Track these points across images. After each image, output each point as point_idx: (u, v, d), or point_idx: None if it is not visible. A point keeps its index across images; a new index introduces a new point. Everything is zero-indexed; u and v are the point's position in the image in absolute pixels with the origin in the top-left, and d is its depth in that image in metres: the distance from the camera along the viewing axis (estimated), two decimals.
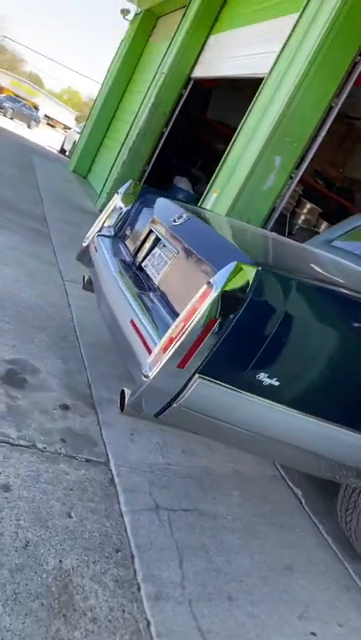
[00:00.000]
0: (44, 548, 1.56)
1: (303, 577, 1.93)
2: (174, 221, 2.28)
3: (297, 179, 4.07)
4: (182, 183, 8.53)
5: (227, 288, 1.54)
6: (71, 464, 1.97)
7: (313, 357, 1.70)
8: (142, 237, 2.56)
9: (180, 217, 2.30)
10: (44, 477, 1.83)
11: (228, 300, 1.54)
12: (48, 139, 22.14)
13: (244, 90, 6.85)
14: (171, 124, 7.33)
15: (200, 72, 6.99)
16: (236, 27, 6.14)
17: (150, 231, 2.52)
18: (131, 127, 7.80)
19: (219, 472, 2.34)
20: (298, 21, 4.15)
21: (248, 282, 1.54)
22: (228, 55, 6.03)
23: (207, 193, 4.46)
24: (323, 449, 1.85)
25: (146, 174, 7.49)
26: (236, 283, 1.54)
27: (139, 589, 1.57)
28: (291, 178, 4.00)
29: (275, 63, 4.24)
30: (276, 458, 2.25)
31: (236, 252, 1.81)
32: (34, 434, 2.03)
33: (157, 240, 2.43)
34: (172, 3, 8.94)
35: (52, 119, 40.65)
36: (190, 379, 1.61)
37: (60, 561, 1.54)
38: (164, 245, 2.35)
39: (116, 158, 7.87)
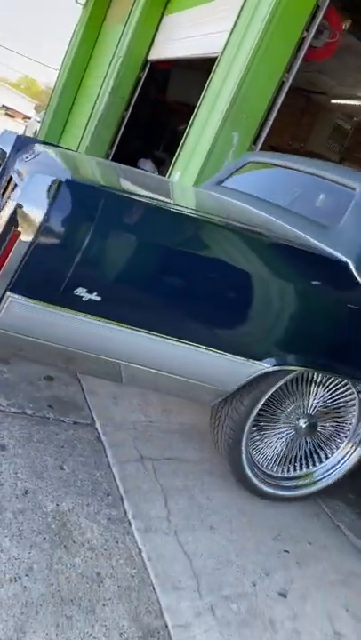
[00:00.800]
0: (42, 495, 1.74)
1: (276, 508, 2.15)
2: (25, 158, 2.19)
3: (257, 151, 4.24)
4: (147, 165, 8.62)
5: (23, 200, 1.51)
6: (60, 426, 2.14)
7: (131, 270, 1.66)
8: (5, 183, 2.46)
9: (32, 153, 2.19)
10: (35, 437, 2.00)
11: (27, 212, 1.50)
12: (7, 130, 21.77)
13: (200, 69, 6.97)
14: (131, 107, 7.39)
15: (156, 54, 7.06)
16: (187, 7, 6.23)
17: (11, 176, 2.36)
18: (92, 113, 7.84)
19: (198, 427, 2.54)
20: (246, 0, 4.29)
21: (49, 193, 1.49)
22: (182, 36, 6.12)
23: (170, 173, 4.61)
24: (160, 363, 1.81)
25: (110, 159, 7.56)
26: (36, 194, 1.50)
27: (130, 525, 1.77)
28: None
29: (227, 42, 4.37)
30: (107, 374, 2.02)
31: (50, 168, 1.77)
32: (22, 402, 2.19)
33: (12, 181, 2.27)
34: None
35: (11, 109, 39.74)
36: (1, 298, 1.54)
37: (57, 504, 1.73)
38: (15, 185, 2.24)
39: (79, 145, 7.91)
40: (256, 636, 1.53)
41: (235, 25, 4.31)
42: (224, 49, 4.35)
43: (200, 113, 4.41)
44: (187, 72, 8.94)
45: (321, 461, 2.27)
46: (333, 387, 2.14)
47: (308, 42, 4.04)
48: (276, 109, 4.14)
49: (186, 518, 1.90)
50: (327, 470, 2.26)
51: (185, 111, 9.98)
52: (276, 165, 2.89)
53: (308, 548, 1.98)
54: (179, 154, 4.56)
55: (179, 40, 6.23)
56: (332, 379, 2.11)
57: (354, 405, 2.20)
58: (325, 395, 2.15)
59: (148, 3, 7.02)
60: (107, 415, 2.35)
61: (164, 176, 8.34)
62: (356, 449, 2.25)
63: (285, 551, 1.91)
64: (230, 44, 4.29)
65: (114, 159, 7.58)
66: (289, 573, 1.81)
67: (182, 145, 4.54)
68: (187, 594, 1.59)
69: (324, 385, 2.13)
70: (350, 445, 2.26)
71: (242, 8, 4.27)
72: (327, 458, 2.27)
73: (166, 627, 1.46)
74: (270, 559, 1.85)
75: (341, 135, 12.22)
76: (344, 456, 2.26)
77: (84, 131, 7.90)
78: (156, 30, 7.13)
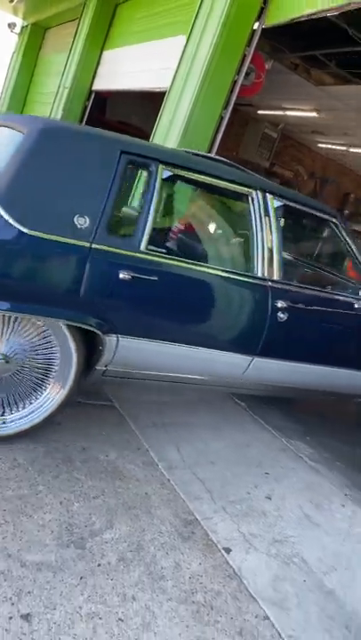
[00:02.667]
0: (94, 450, 2.44)
1: (257, 449, 2.95)
2: None
3: None
4: None
5: None
6: (93, 407, 2.85)
7: None
8: None
9: None
10: (78, 416, 2.70)
11: None
12: None
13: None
14: None
15: (100, 85, 7.77)
16: (129, 44, 6.98)
17: None
18: None
19: (190, 400, 3.31)
20: (187, 43, 5.08)
21: None
22: (127, 70, 6.87)
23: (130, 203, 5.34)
24: None
25: None
26: None
27: (157, 465, 2.50)
28: None
29: (173, 80, 5.14)
30: None
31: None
32: None
33: None
34: (59, 16, 9.56)
35: None
36: None
37: (107, 455, 2.43)
38: None
39: None
40: (254, 521, 2.30)
41: (179, 65, 5.09)
42: (171, 86, 5.13)
43: (155, 141, 5.16)
44: (121, 94, 9.69)
45: None
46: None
47: (239, 83, 4.88)
48: (218, 140, 4.96)
49: (194, 458, 2.65)
50: None
51: (123, 129, 10.75)
52: None
53: (281, 470, 2.78)
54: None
55: (123, 73, 6.97)
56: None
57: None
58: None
59: (89, 39, 7.73)
60: (122, 396, 3.07)
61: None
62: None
63: (266, 473, 2.71)
64: (176, 82, 5.07)
65: None
66: (271, 485, 2.61)
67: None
68: (205, 501, 2.34)
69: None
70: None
71: (183, 51, 5.05)
72: None
73: (197, 519, 2.20)
74: (257, 478, 2.64)
75: (269, 142, 13.33)
76: None
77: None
78: (98, 63, 7.85)
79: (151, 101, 9.08)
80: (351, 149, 11.55)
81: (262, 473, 2.71)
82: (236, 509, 2.35)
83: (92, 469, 2.29)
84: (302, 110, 10.04)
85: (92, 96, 7.98)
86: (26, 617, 1.47)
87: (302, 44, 6.78)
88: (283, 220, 2.92)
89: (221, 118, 4.91)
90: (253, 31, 4.75)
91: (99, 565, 1.76)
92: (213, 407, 3.36)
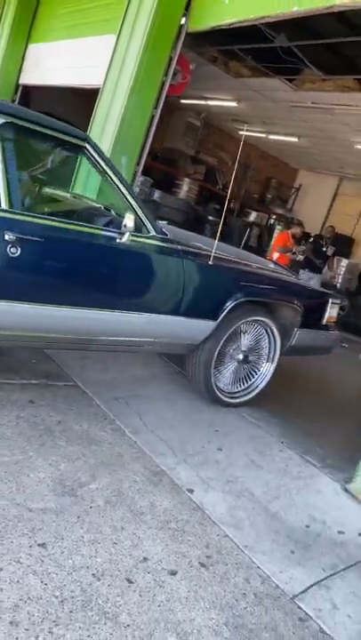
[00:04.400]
0: (70, 422, 2.80)
1: (206, 412, 3.42)
2: None
3: (140, 172, 5.40)
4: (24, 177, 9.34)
5: None
6: (57, 388, 3.19)
7: None
8: None
9: None
10: (47, 395, 3.04)
11: None
12: None
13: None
14: None
15: (27, 79, 7.85)
16: (56, 39, 7.12)
17: None
18: None
19: (142, 376, 3.72)
20: (117, 43, 5.37)
21: None
22: (55, 65, 7.02)
23: (71, 191, 5.60)
24: None
25: None
26: None
27: (124, 431, 2.90)
28: (135, 173, 5.33)
29: (105, 78, 5.42)
30: None
31: None
32: (29, 376, 3.19)
33: None
34: None
35: None
36: None
37: (80, 426, 2.80)
38: None
39: None
40: (210, 468, 2.77)
41: (110, 64, 5.37)
42: (105, 83, 5.41)
43: (92, 136, 5.44)
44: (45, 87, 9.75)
45: None
46: None
47: (167, 83, 5.26)
48: (151, 136, 5.33)
49: (155, 424, 3.08)
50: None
51: None
52: None
53: (228, 428, 3.28)
54: (76, 175, 5.56)
55: (51, 69, 7.12)
56: None
57: None
58: None
59: (13, 31, 7.76)
60: (82, 377, 3.43)
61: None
62: None
63: (216, 430, 3.20)
64: (109, 80, 5.36)
65: None
66: (221, 440, 3.09)
67: (77, 168, 5.55)
68: (169, 456, 2.78)
69: None
70: None
71: (114, 50, 5.34)
72: None
73: (163, 470, 2.64)
74: (209, 435, 3.11)
75: (193, 131, 13.77)
76: None
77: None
78: (24, 57, 7.91)
79: (75, 94, 9.25)
80: (270, 136, 12.22)
81: (213, 431, 3.19)
82: (194, 460, 2.80)
83: (70, 437, 2.66)
84: (223, 100, 10.54)
85: (20, 90, 8.04)
86: (42, 545, 1.84)
87: (220, 39, 7.24)
88: (22, 143, 2.66)
89: (153, 116, 5.27)
90: (178, 36, 5.12)
91: (90, 507, 2.15)
92: (163, 380, 3.80)
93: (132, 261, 2.86)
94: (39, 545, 1.84)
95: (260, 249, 11.83)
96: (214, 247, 3.15)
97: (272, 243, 11.43)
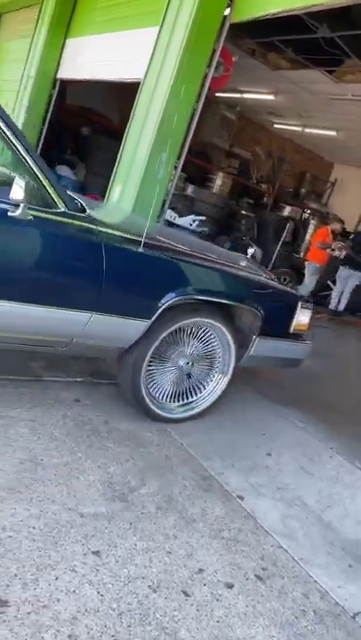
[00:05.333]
0: (116, 423, 2.75)
1: (252, 414, 3.33)
2: None
3: (180, 167, 5.32)
4: (64, 171, 9.37)
5: None
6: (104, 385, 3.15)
7: None
8: None
9: None
10: (95, 394, 3.00)
11: None
12: None
13: None
14: (47, 122, 8.13)
15: (65, 74, 7.84)
16: (94, 33, 7.08)
17: None
18: None
19: None
20: (159, 36, 5.29)
21: None
22: (93, 59, 6.98)
23: (111, 186, 5.57)
24: None
25: None
26: None
27: (170, 432, 2.84)
28: (175, 167, 5.25)
29: (146, 72, 5.36)
30: None
31: None
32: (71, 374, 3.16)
33: None
34: (16, 2, 9.47)
35: None
36: None
37: (126, 426, 2.75)
38: None
39: None
40: (260, 474, 2.69)
41: (152, 58, 5.31)
42: (145, 78, 5.35)
43: (131, 133, 5.39)
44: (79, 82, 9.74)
45: None
46: None
47: (210, 76, 5.16)
48: (192, 131, 5.24)
49: (200, 425, 3.01)
50: None
51: (84, 114, 10.81)
52: None
53: (275, 432, 3.19)
54: (117, 170, 5.52)
55: (90, 63, 7.08)
56: None
57: None
58: None
59: (52, 26, 7.76)
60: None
61: (80, 180, 9.10)
62: None
63: (263, 434, 3.11)
64: (150, 74, 5.30)
65: None
66: (269, 444, 3.01)
67: (119, 161, 5.51)
68: (216, 460, 2.70)
69: None
70: None
71: (156, 44, 5.27)
72: None
73: (211, 475, 2.56)
74: (256, 439, 3.04)
75: (228, 124, 13.60)
76: None
77: (2, 147, 8.47)
78: (62, 52, 7.90)
79: (110, 88, 9.22)
80: (306, 130, 11.97)
81: (260, 434, 3.11)
82: (242, 465, 2.72)
83: (117, 438, 2.61)
84: (259, 93, 10.36)
85: (58, 84, 8.04)
86: (96, 553, 1.79)
87: (259, 31, 7.08)
88: None
89: (194, 110, 5.18)
90: (222, 27, 5.01)
91: (142, 514, 2.09)
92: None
93: (28, 241, 2.30)
94: (93, 553, 1.79)
95: (295, 244, 11.61)
96: (145, 231, 2.54)
97: (308, 238, 11.20)
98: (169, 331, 2.76)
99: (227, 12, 5.03)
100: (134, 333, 2.63)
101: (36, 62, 7.93)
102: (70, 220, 2.34)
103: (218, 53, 5.12)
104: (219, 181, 12.67)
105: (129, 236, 2.56)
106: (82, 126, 10.86)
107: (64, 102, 10.90)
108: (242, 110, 13.12)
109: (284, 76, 8.65)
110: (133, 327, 2.61)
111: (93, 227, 2.41)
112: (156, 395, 2.90)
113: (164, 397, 2.94)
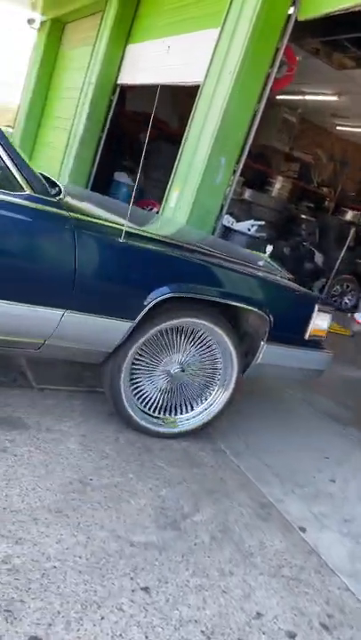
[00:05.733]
0: (169, 440, 2.62)
1: (314, 435, 3.10)
2: None
3: (239, 171, 5.15)
4: (122, 177, 9.41)
5: None
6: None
7: None
8: None
9: None
10: None
11: None
12: None
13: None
14: (106, 128, 8.17)
15: (125, 79, 7.86)
16: (154, 38, 7.04)
17: None
18: (70, 135, 8.56)
19: (245, 390, 3.47)
20: (219, 37, 5.15)
21: None
22: (153, 64, 6.94)
23: (168, 191, 5.47)
24: None
25: (92, 177, 8.34)
26: None
27: (226, 452, 2.67)
28: (234, 172, 5.09)
29: (206, 75, 5.23)
30: None
31: None
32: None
33: None
34: (80, 11, 9.62)
35: None
36: None
37: (180, 443, 2.61)
38: None
39: (61, 167, 8.63)
40: (324, 502, 2.47)
41: (211, 60, 5.17)
42: (204, 82, 5.22)
43: (190, 137, 5.27)
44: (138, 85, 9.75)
45: None
46: None
47: (273, 76, 4.96)
48: (252, 135, 5.06)
49: (257, 445, 2.82)
50: None
51: (142, 120, 10.83)
52: None
53: (340, 455, 2.95)
54: (175, 175, 5.42)
55: (149, 68, 7.05)
56: None
57: None
58: None
59: (113, 33, 7.80)
60: None
61: (136, 185, 9.11)
62: None
63: (326, 457, 2.88)
64: (209, 77, 5.16)
65: (96, 178, 8.38)
66: (333, 469, 2.78)
67: (177, 166, 5.41)
68: (276, 485, 2.51)
69: None
70: None
71: (216, 45, 5.13)
72: None
73: (270, 502, 2.37)
74: (319, 462, 2.82)
75: (288, 127, 13.27)
76: None
77: (65, 152, 8.62)
78: (122, 58, 7.92)
79: (167, 93, 9.17)
80: None
81: (323, 457, 2.88)
82: (304, 492, 2.51)
83: (170, 457, 2.47)
84: (323, 94, 10.01)
85: (118, 90, 8.07)
86: (145, 590, 1.65)
87: (323, 29, 6.80)
88: None
89: (255, 112, 5.00)
90: (286, 25, 4.81)
91: (195, 544, 1.94)
92: (265, 395, 3.53)
93: None
94: (142, 589, 1.65)
95: (358, 249, 11.12)
96: (127, 219, 2.26)
97: None
98: (153, 331, 2.43)
99: (291, 10, 4.83)
100: (116, 335, 2.32)
101: (97, 69, 7.99)
102: (35, 205, 2.10)
103: (281, 52, 4.92)
104: (278, 185, 12.35)
105: (107, 224, 2.28)
106: (139, 132, 10.91)
107: (123, 108, 11.01)
108: (303, 112, 12.77)
109: (349, 75, 8.28)
110: (115, 328, 2.31)
111: (63, 212, 2.15)
112: (141, 403, 2.58)
113: (151, 407, 2.61)
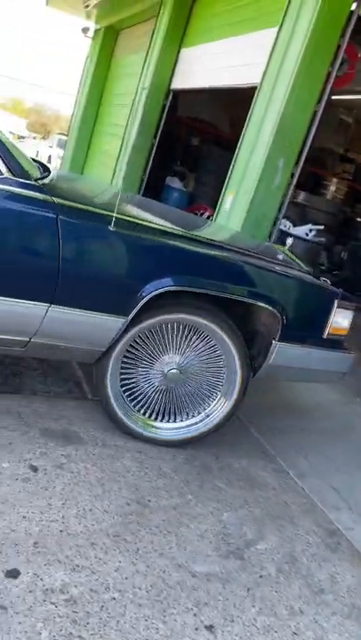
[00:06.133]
0: (228, 458, 2.49)
1: None
2: None
3: (297, 174, 4.96)
4: (174, 182, 9.36)
5: None
6: None
7: None
8: None
9: None
10: None
11: None
12: None
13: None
14: (159, 134, 8.14)
15: (179, 84, 7.79)
16: (208, 41, 6.95)
17: None
18: (122, 142, 8.59)
19: (304, 404, 3.28)
20: (277, 37, 4.99)
21: None
22: (207, 67, 6.85)
23: (223, 195, 5.34)
24: None
25: (144, 183, 8.32)
26: None
27: (288, 473, 2.51)
28: (292, 175, 4.90)
29: (263, 76, 5.07)
30: None
31: None
32: None
33: None
34: (133, 18, 9.66)
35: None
36: None
37: (239, 463, 2.47)
38: None
39: (114, 174, 8.67)
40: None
41: (269, 60, 5.00)
42: (261, 82, 5.06)
43: (246, 139, 5.13)
44: (190, 90, 9.68)
45: None
46: None
47: (333, 75, 4.75)
48: (311, 137, 4.87)
49: (322, 465, 2.64)
50: None
51: (194, 125, 10.76)
52: None
53: None
54: (229, 178, 5.29)
55: (203, 71, 6.96)
56: None
57: None
58: None
59: (167, 38, 7.76)
60: None
61: (189, 191, 9.02)
62: None
63: None
64: (267, 78, 4.99)
65: (148, 184, 8.36)
66: None
67: (232, 168, 5.27)
68: (344, 511, 2.33)
69: None
70: None
71: (274, 45, 4.96)
72: None
73: (339, 529, 2.20)
74: None
75: (344, 128, 12.88)
76: None
77: (118, 159, 8.65)
78: (176, 62, 7.87)
79: (219, 97, 9.04)
80: None
81: None
82: None
83: (230, 478, 2.34)
84: None
85: (171, 95, 8.03)
86: (210, 628, 1.53)
87: None
88: None
89: (315, 113, 4.80)
90: (348, 21, 4.59)
91: (260, 577, 1.80)
92: (331, 410, 3.33)
93: None
94: (207, 627, 1.52)
95: None
96: (116, 206, 2.07)
97: None
98: (142, 325, 2.24)
99: (353, 6, 4.62)
100: (108, 332, 2.14)
101: (150, 74, 7.97)
102: (11, 188, 1.94)
103: (343, 50, 4.70)
104: (333, 187, 12.00)
105: (95, 210, 2.10)
106: (191, 137, 10.84)
107: (175, 113, 10.99)
108: (358, 112, 12.36)
109: None
110: (106, 324, 2.12)
111: (46, 197, 1.98)
112: (131, 402, 2.39)
113: (142, 409, 2.41)
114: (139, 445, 2.35)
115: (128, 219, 2.16)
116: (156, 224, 2.32)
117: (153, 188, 8.57)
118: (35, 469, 1.96)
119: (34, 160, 2.68)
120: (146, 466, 2.22)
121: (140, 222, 2.24)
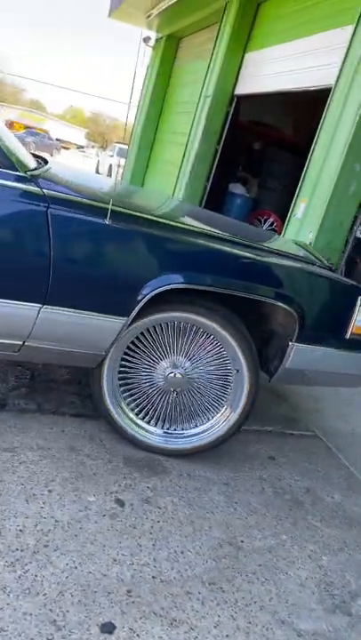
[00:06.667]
0: (320, 491, 2.30)
1: None
2: None
3: None
4: (237, 189, 9.19)
5: None
6: (296, 437, 2.71)
7: None
8: None
9: None
10: (288, 448, 2.58)
11: None
12: (75, 163, 23.11)
13: None
14: (222, 141, 8.01)
15: (243, 89, 7.65)
16: (274, 44, 6.76)
17: None
18: (185, 150, 8.52)
19: None
20: (353, 35, 4.74)
21: None
22: (273, 71, 6.65)
23: (294, 203, 5.14)
24: None
25: (207, 191, 8.21)
26: None
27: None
28: None
29: (339, 75, 4.83)
30: None
31: None
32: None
33: None
34: (195, 25, 9.60)
35: (64, 141, 41.26)
36: None
37: (332, 497, 2.28)
38: None
39: (176, 183, 8.61)
40: None
41: (344, 60, 4.77)
42: (336, 85, 4.83)
43: (319, 144, 4.90)
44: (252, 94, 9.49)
45: None
46: None
47: None
48: None
49: None
50: None
51: (256, 129, 10.54)
52: None
53: None
54: (301, 184, 5.08)
55: (269, 75, 6.78)
56: None
57: None
58: None
59: (230, 43, 7.63)
60: (320, 426, 2.89)
61: (252, 197, 8.80)
62: None
63: None
64: (341, 79, 4.76)
65: (210, 191, 8.24)
66: None
67: (304, 175, 5.06)
68: None
69: None
70: None
71: (350, 43, 4.73)
72: None
73: None
74: None
75: None
76: None
77: (180, 168, 8.59)
78: (240, 67, 7.72)
79: (282, 101, 8.79)
80: None
81: None
82: None
83: (324, 514, 2.15)
84: None
85: (235, 101, 7.89)
86: None
87: None
88: None
89: None
90: None
91: None
92: None
93: None
94: None
95: None
96: (111, 201, 1.91)
97: None
98: (138, 323, 2.07)
99: None
100: (106, 334, 1.98)
101: (213, 81, 7.86)
102: None
103: None
104: None
105: (90, 203, 1.91)
106: (253, 141, 10.64)
107: (237, 118, 10.83)
108: None
109: None
110: (103, 326, 1.96)
111: (34, 189, 1.82)
112: (131, 407, 2.23)
113: (142, 414, 2.24)
114: (224, 476, 2.21)
115: (125, 211, 1.97)
116: (155, 216, 2.12)
117: (216, 195, 8.45)
118: (121, 504, 1.86)
119: (34, 155, 2.58)
120: (235, 500, 2.07)
121: (139, 215, 2.03)
